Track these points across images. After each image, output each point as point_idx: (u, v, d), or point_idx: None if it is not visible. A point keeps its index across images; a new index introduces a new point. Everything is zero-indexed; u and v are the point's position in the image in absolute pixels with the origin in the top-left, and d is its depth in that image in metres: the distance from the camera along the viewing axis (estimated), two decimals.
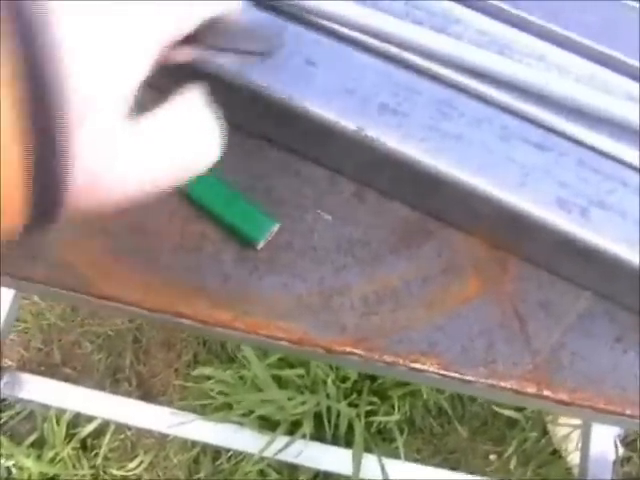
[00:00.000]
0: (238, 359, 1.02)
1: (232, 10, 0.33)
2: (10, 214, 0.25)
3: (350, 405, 1.00)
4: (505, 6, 0.41)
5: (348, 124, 0.39)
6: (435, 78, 0.40)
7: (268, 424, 1.00)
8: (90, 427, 1.10)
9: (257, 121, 0.43)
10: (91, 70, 0.25)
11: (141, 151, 0.28)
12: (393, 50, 0.41)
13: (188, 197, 0.43)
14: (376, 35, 0.40)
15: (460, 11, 0.42)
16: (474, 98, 0.40)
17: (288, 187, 0.43)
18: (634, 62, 0.41)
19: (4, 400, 1.10)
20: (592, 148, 0.40)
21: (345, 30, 0.41)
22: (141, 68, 0.27)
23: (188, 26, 0.30)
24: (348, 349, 0.41)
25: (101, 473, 1.10)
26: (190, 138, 0.31)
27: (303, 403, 0.98)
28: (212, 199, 0.42)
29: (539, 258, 0.42)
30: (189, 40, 0.31)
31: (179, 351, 1.06)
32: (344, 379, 1.00)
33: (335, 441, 1.00)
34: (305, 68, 0.40)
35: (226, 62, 0.40)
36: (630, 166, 0.39)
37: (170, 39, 0.29)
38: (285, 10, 0.41)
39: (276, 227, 0.42)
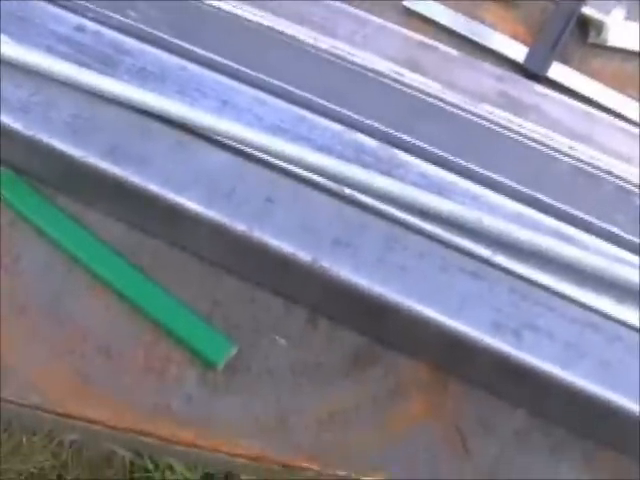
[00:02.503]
0: None
1: None
2: None
3: None
4: (443, 153, 0.47)
5: (304, 256, 0.44)
6: (382, 215, 0.45)
7: None
8: None
9: (219, 252, 0.47)
10: None
11: None
12: (345, 190, 0.45)
13: (155, 321, 0.46)
14: (330, 177, 0.45)
15: (404, 157, 0.47)
16: (416, 233, 0.45)
17: (245, 313, 0.47)
18: (556, 203, 0.46)
19: None
20: (521, 277, 0.44)
21: (302, 171, 0.46)
22: None
23: None
24: (304, 465, 0.44)
25: None
26: None
27: None
28: (175, 323, 0.45)
29: (477, 378, 0.46)
30: None
31: None
32: None
33: None
34: (264, 205, 0.45)
35: (193, 199, 0.44)
36: (553, 292, 0.44)
37: None
38: (246, 153, 0.46)
39: (234, 350, 0.45)
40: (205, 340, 0.45)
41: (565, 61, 0.56)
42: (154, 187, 0.45)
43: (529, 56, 0.55)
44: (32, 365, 0.45)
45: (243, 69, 0.48)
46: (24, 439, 1.03)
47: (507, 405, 0.46)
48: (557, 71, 0.55)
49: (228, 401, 0.44)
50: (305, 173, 0.45)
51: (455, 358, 0.45)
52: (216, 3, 0.51)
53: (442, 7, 0.57)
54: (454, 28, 0.56)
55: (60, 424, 0.45)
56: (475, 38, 0.56)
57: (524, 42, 0.56)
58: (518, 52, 0.55)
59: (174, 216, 0.45)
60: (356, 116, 0.48)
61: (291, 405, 0.45)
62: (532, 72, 0.55)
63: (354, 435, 0.44)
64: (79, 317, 0.46)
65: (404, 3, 0.57)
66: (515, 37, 0.57)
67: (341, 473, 0.43)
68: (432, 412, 0.45)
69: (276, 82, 0.48)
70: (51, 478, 1.00)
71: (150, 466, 1.00)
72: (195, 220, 0.44)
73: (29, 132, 0.46)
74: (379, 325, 0.46)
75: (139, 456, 1.01)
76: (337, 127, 0.47)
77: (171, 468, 0.99)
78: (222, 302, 0.47)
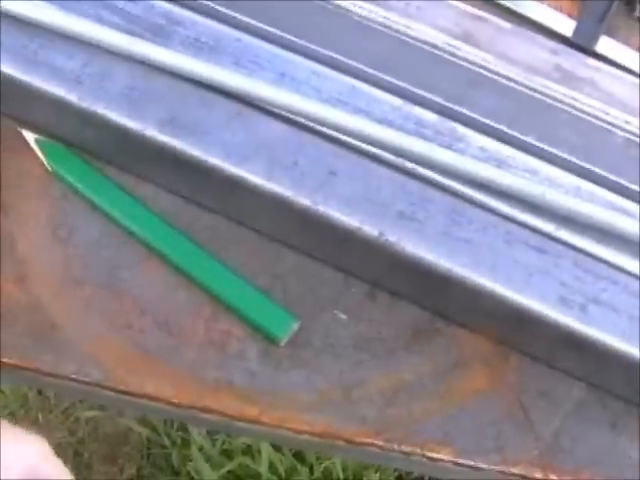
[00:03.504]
0: (183, 473, 1.01)
1: None
2: None
3: None
4: (500, 126, 0.47)
5: (370, 230, 0.43)
6: (445, 189, 0.45)
7: None
8: None
9: (279, 226, 0.46)
10: None
11: None
12: (407, 164, 0.45)
13: (214, 295, 0.45)
14: (391, 150, 0.45)
15: (462, 130, 0.47)
16: (480, 207, 0.45)
17: (304, 288, 0.46)
18: (613, 176, 0.46)
19: None
20: (583, 251, 0.44)
21: (363, 144, 0.45)
22: None
23: None
24: (369, 440, 0.43)
25: None
26: None
27: None
28: (236, 297, 0.45)
29: (538, 351, 0.46)
30: None
31: (122, 465, 1.04)
32: None
33: None
34: (327, 178, 0.44)
35: (254, 170, 0.44)
36: (616, 267, 0.44)
37: None
38: (307, 125, 0.45)
39: (297, 325, 0.45)
40: (267, 315, 0.44)
41: (612, 35, 0.56)
42: (214, 159, 0.44)
43: (577, 30, 0.55)
44: (90, 340, 0.44)
45: (298, 41, 0.48)
46: (40, 416, 1.02)
47: (567, 377, 0.46)
48: (605, 45, 0.55)
49: (291, 376, 0.44)
50: (366, 146, 0.45)
51: (518, 331, 0.45)
52: None
53: None
54: (500, 1, 0.56)
55: (121, 401, 0.44)
56: (521, 11, 0.56)
57: (569, 15, 0.56)
58: (565, 26, 0.55)
59: (234, 189, 0.45)
60: (414, 89, 0.47)
61: (354, 379, 0.44)
62: (580, 46, 0.54)
63: (417, 409, 0.44)
64: (136, 291, 0.45)
65: None
66: (559, 10, 0.56)
67: (406, 449, 0.43)
68: (494, 385, 0.45)
69: (332, 54, 0.47)
70: (68, 454, 1.00)
71: (167, 442, 1.00)
72: (256, 193, 0.44)
73: (84, 103, 0.45)
74: (440, 299, 0.45)
75: (155, 432, 1.00)
76: (395, 100, 0.47)
77: (188, 443, 0.99)
78: (281, 276, 0.46)
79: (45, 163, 0.47)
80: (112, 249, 0.46)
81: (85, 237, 0.46)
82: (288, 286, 0.46)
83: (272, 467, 0.98)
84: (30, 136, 0.48)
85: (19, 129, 0.48)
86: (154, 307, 0.45)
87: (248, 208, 0.46)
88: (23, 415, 1.02)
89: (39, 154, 0.48)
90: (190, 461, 0.98)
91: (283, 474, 0.98)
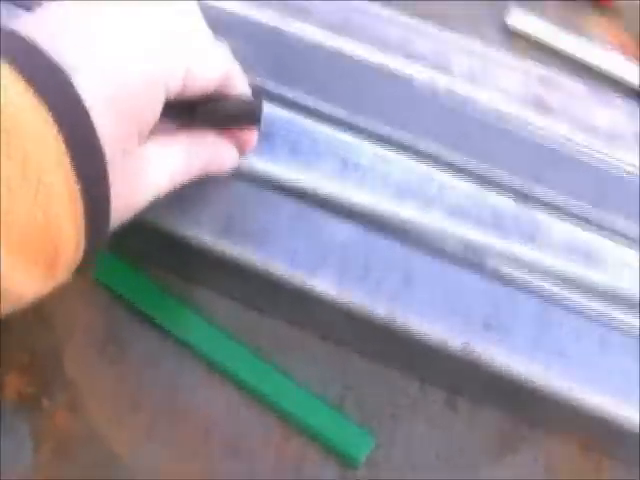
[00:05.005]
0: None
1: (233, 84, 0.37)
2: (73, 248, 0.30)
3: None
4: (585, 210, 0.43)
5: (455, 343, 0.39)
6: (530, 289, 0.41)
7: None
8: None
9: (349, 334, 0.42)
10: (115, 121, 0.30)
11: (163, 163, 0.35)
12: (488, 262, 0.41)
13: (283, 414, 0.41)
14: (469, 248, 0.41)
15: (542, 216, 0.43)
16: (569, 307, 0.41)
17: (379, 397, 0.43)
18: None
19: None
20: None
21: (438, 243, 0.41)
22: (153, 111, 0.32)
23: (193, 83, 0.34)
24: None
25: None
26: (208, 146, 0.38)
27: None
28: (308, 417, 0.41)
29: (633, 458, 0.43)
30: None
31: None
32: None
33: None
34: (403, 284, 0.40)
35: (324, 281, 0.40)
36: None
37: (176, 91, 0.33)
38: (375, 222, 0.41)
39: (373, 444, 0.41)
40: (343, 435, 0.41)
41: None
42: (279, 270, 0.40)
43: None
44: (155, 471, 0.40)
45: (357, 118, 0.43)
46: None
47: None
48: None
49: None
50: (441, 244, 0.41)
51: (612, 438, 0.42)
52: (317, 39, 0.45)
53: (547, 24, 0.52)
54: (562, 48, 0.51)
55: None
56: (585, 58, 0.51)
57: (633, 54, 0.52)
58: (631, 72, 0.51)
59: (301, 299, 0.41)
60: (487, 170, 0.43)
61: None
62: None
63: None
64: (198, 413, 0.42)
65: (507, 22, 0.51)
66: (622, 47, 0.52)
67: None
68: None
69: (396, 134, 0.43)
70: None
71: None
72: (326, 304, 0.40)
73: None
74: (529, 408, 0.42)
75: None
76: (469, 186, 0.43)
77: None
78: (353, 385, 0.42)
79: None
80: (169, 367, 0.42)
81: (138, 354, 0.42)
82: (360, 396, 0.42)
83: None
84: None
85: None
86: (219, 430, 0.41)
87: (316, 317, 0.42)
88: None
89: None
90: None
91: None
